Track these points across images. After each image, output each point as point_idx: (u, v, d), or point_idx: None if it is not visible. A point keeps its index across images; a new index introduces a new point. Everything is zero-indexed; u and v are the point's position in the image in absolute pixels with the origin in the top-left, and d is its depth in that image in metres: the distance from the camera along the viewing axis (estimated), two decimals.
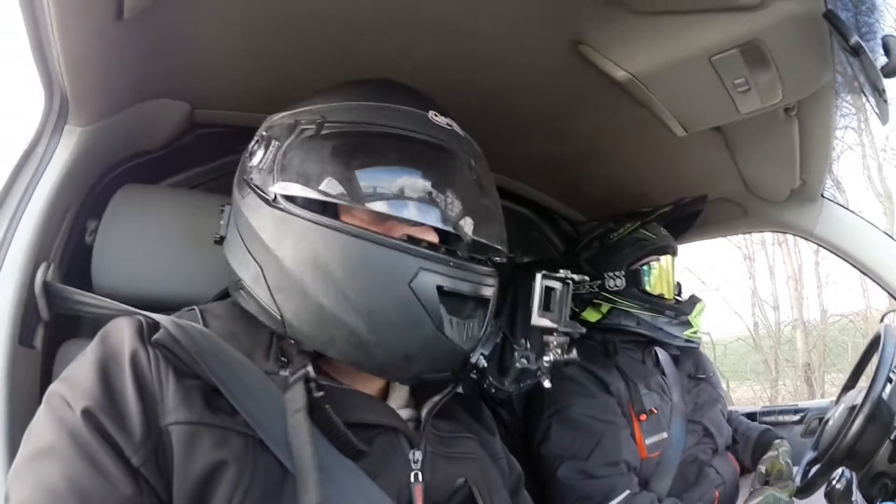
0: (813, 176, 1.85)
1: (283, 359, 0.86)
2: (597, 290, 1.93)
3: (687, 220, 2.06)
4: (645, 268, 1.91)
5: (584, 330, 0.99)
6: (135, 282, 1.19)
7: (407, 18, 1.14)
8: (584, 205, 2.31)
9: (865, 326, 7.09)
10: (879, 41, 1.02)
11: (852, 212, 2.03)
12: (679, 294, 2.00)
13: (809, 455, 1.59)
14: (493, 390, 0.97)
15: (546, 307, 0.98)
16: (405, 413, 0.94)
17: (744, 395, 8.26)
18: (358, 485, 0.79)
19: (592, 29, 1.19)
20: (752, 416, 2.45)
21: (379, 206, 0.86)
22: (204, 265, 1.21)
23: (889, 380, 1.38)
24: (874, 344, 1.58)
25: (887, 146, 7.57)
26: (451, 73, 1.31)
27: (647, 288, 1.91)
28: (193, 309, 0.91)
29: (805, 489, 1.46)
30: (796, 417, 2.32)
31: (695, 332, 1.90)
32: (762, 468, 1.76)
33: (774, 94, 1.29)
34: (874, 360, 1.50)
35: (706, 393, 1.99)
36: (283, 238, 0.84)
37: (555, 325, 0.96)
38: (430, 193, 0.89)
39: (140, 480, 0.68)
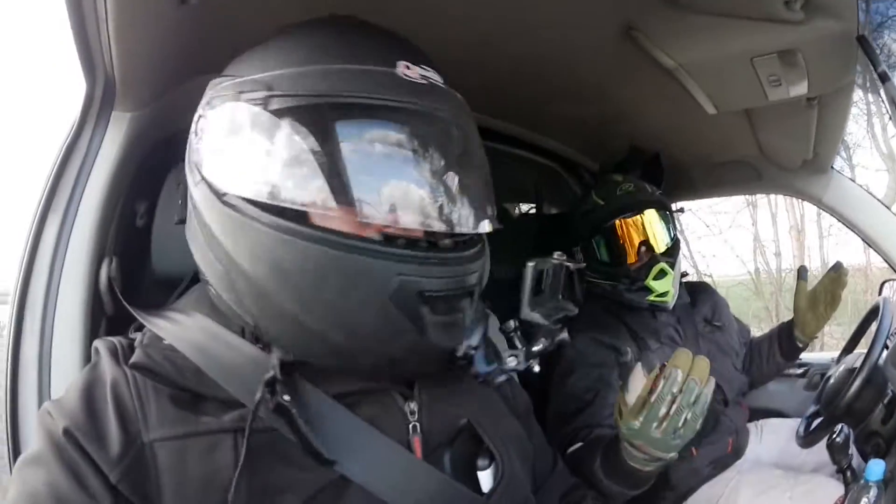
0: (825, 151, 1.98)
1: (260, 344, 0.81)
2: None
3: (656, 170, 2.06)
4: (595, 240, 1.91)
5: (576, 310, 0.99)
6: (192, 262, 1.01)
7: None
8: (606, 160, 2.35)
9: (865, 283, 7.11)
10: None
11: (859, 185, 2.16)
12: (669, 245, 1.88)
13: (812, 408, 1.75)
14: (478, 380, 0.89)
15: (537, 290, 0.97)
16: None
17: None
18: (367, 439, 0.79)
19: (646, 18, 1.26)
20: None
21: (340, 209, 0.73)
22: None
23: (885, 347, 1.54)
24: (873, 313, 1.73)
25: None
26: (507, 42, 1.33)
27: (601, 258, 1.91)
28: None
29: (808, 439, 1.63)
30: (799, 371, 2.41)
31: (660, 296, 1.84)
32: None
33: (801, 88, 1.41)
34: (872, 327, 1.66)
35: (718, 343, 1.96)
36: (238, 241, 0.75)
37: (544, 322, 0.95)
38: (406, 181, 0.76)
39: (118, 495, 0.69)
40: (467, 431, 0.88)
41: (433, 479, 0.82)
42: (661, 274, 1.83)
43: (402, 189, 0.75)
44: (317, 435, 0.74)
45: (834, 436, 1.48)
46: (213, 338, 0.80)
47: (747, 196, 7.91)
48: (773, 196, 7.80)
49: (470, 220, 0.80)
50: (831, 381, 1.67)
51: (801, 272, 2.01)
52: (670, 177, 2.10)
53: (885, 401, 1.46)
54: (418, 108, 0.75)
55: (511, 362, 0.90)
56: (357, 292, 0.73)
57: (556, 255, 0.97)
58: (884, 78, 1.09)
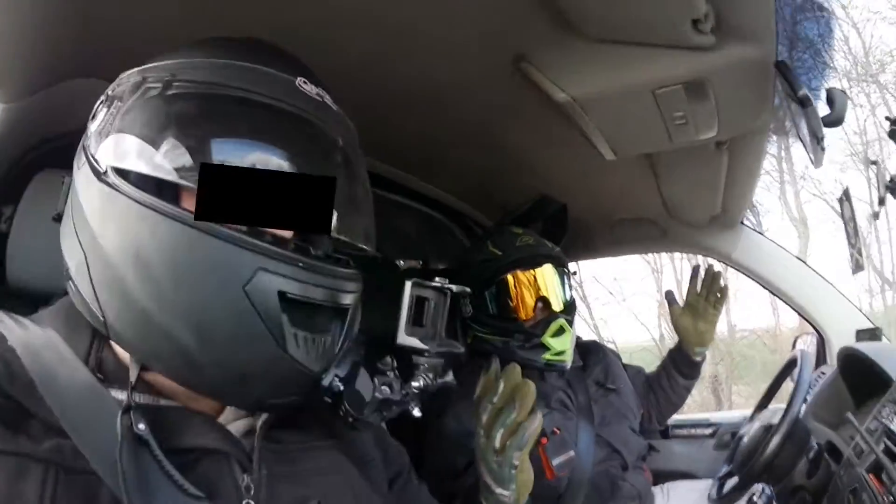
0: (734, 205, 1.94)
1: (98, 374, 0.72)
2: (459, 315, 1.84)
3: (559, 225, 2.01)
4: (488, 292, 1.80)
5: (462, 349, 0.93)
6: (52, 276, 0.94)
7: (349, 16, 1.07)
8: (497, 211, 2.25)
9: (774, 343, 7.42)
10: (823, 92, 1.10)
11: (769, 239, 2.16)
12: (567, 303, 1.81)
13: (724, 469, 1.68)
14: (349, 420, 0.79)
15: (417, 322, 0.89)
16: (243, 424, 0.79)
17: None
18: None
19: (536, 48, 1.17)
20: (664, 428, 2.50)
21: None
22: None
23: (805, 400, 1.48)
24: (789, 367, 1.69)
25: (806, 174, 7.86)
26: (388, 70, 1.26)
27: (493, 311, 1.80)
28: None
29: (722, 501, 1.55)
30: (708, 431, 2.39)
31: (557, 354, 1.73)
32: None
33: (710, 129, 1.33)
34: (787, 383, 1.61)
35: (614, 406, 1.88)
36: (108, 220, 0.70)
37: (425, 347, 0.88)
38: None
39: None
40: None
41: None
42: (560, 331, 1.73)
43: None
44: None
45: (753, 496, 1.41)
46: (56, 354, 0.71)
47: (650, 262, 8.19)
48: (678, 261, 8.07)
49: (346, 227, 0.77)
50: (745, 439, 1.62)
51: (668, 296, 2.09)
52: (568, 233, 2.03)
53: (810, 455, 1.41)
54: (308, 117, 0.75)
55: (385, 391, 0.83)
56: (212, 281, 0.68)
57: (439, 280, 0.92)
58: (805, 103, 1.03)
